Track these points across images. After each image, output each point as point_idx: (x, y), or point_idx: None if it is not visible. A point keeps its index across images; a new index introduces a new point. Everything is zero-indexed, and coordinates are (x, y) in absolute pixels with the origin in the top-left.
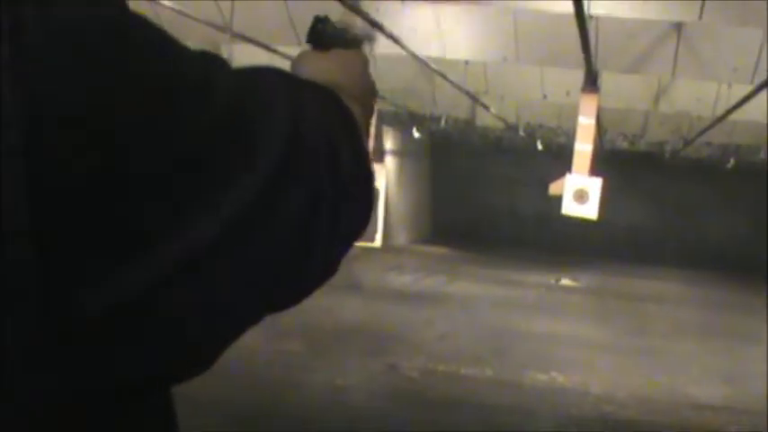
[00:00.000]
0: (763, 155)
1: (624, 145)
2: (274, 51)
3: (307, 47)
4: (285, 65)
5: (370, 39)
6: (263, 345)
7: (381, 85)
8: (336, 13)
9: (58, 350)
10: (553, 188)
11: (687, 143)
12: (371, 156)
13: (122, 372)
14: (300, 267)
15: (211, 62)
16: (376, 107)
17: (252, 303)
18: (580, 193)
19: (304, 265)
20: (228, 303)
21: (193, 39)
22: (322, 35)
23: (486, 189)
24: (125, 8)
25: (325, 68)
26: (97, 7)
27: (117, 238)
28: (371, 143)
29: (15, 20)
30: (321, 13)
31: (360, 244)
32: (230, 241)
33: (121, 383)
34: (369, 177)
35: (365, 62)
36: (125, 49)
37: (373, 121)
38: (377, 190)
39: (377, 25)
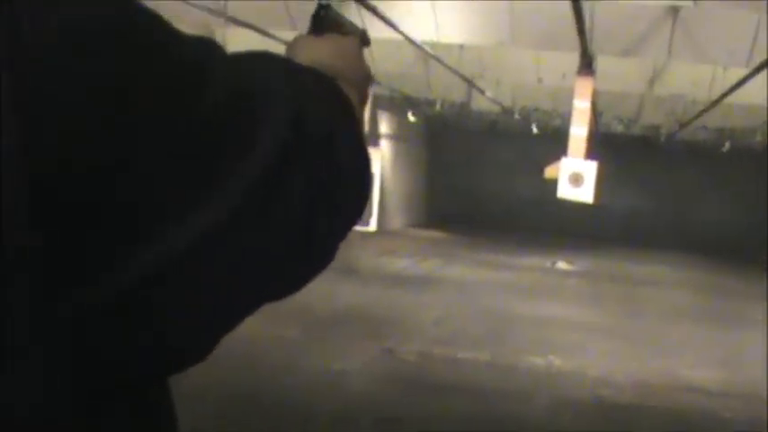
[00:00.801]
0: (758, 138)
1: (619, 128)
2: (269, 36)
3: (303, 32)
4: (280, 49)
5: (364, 40)
6: (261, 330)
7: (376, 69)
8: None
9: (57, 345)
10: (548, 172)
11: (682, 126)
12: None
13: (120, 364)
14: (300, 254)
15: (209, 49)
16: (371, 92)
17: (250, 293)
18: (575, 177)
19: (304, 252)
20: (226, 293)
21: (187, 23)
22: (323, 21)
23: (481, 173)
24: (126, 3)
25: (321, 53)
26: (97, 6)
27: (114, 234)
28: (365, 128)
29: (15, 19)
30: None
31: (355, 228)
32: (230, 230)
33: (119, 376)
34: (366, 162)
35: (360, 47)
36: (124, 47)
37: (368, 105)
38: (372, 174)
39: (372, 9)
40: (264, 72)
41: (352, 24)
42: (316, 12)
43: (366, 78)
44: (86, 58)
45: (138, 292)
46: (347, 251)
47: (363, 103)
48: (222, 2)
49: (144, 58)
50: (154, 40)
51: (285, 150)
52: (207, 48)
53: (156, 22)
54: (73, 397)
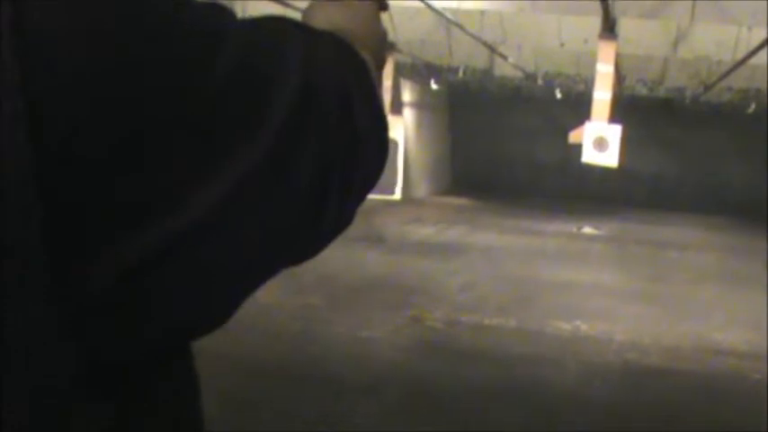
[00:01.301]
0: None
1: (644, 91)
2: (288, 5)
3: None
4: (299, 17)
5: (382, 5)
6: (285, 300)
7: (397, 37)
8: None
9: (72, 323)
10: (572, 136)
11: (707, 88)
12: (388, 109)
13: (138, 338)
14: (317, 219)
15: (221, 15)
16: (390, 58)
17: (267, 257)
18: (600, 141)
19: (320, 217)
20: (244, 259)
21: None
22: None
23: (505, 139)
24: None
25: (337, 17)
26: None
27: (126, 207)
28: (387, 95)
29: None
30: None
31: (380, 197)
32: (246, 197)
33: (139, 350)
34: (383, 127)
35: (377, 12)
36: (128, 14)
37: (389, 72)
38: (395, 142)
39: None
40: (279, 37)
41: None
42: None
43: (383, 43)
44: (87, 28)
45: (156, 260)
46: (373, 220)
47: (381, 67)
48: None
49: (154, 24)
50: (164, 6)
51: (299, 117)
52: (219, 14)
53: None
54: (86, 377)
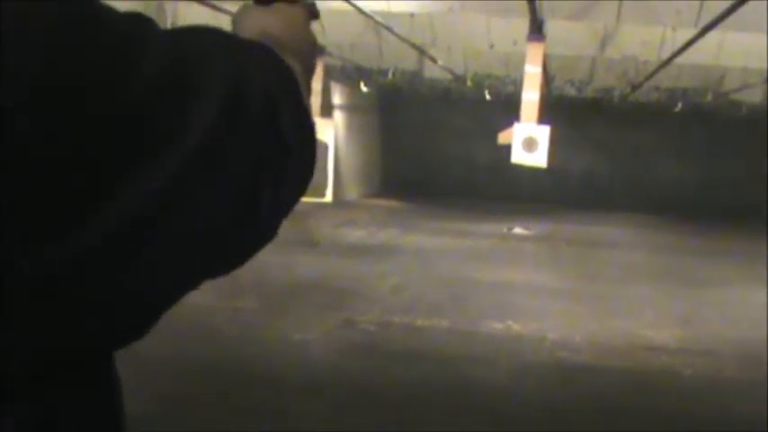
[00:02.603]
0: (709, 98)
1: (572, 92)
2: (219, 9)
3: (249, 2)
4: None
5: (312, 11)
6: (219, 303)
7: (327, 39)
8: None
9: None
10: (502, 137)
11: (634, 88)
12: (318, 112)
13: (58, 338)
14: (245, 224)
15: (143, 24)
16: (320, 62)
17: (193, 267)
18: (529, 142)
19: (249, 222)
20: (169, 267)
21: None
22: None
23: (436, 141)
24: None
25: (267, 24)
26: None
27: (48, 207)
28: (317, 98)
29: None
30: None
31: (311, 200)
32: (169, 206)
33: (58, 350)
34: (310, 135)
35: (306, 17)
36: (53, 17)
37: (319, 75)
38: (326, 144)
39: None
40: (204, 45)
41: None
42: None
43: (312, 49)
44: (20, 28)
45: (86, 262)
46: (304, 222)
47: (311, 73)
48: None
49: (77, 29)
50: (87, 13)
51: (225, 126)
52: (141, 22)
53: None
54: (24, 366)
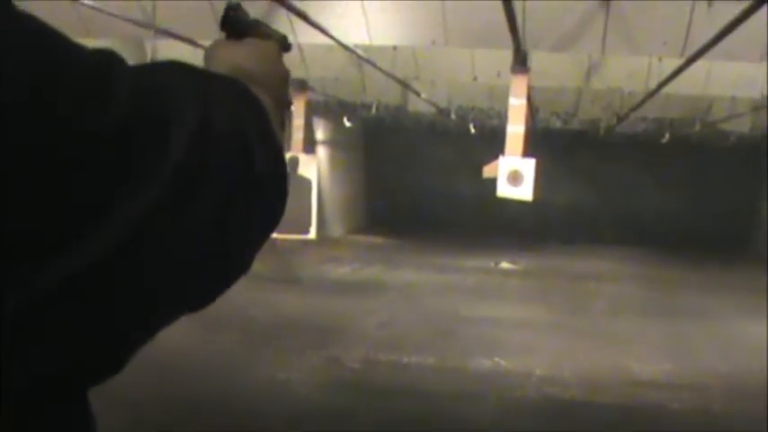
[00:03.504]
0: (697, 127)
1: (557, 124)
2: (198, 46)
3: (221, 35)
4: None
5: (284, 45)
6: (201, 341)
7: (310, 74)
8: (260, 7)
9: None
10: (487, 171)
11: (620, 119)
12: (300, 148)
13: (26, 374)
14: (215, 267)
15: (110, 61)
16: (303, 97)
17: (166, 301)
18: (514, 175)
19: (218, 265)
20: (141, 302)
21: (115, 35)
22: (235, 23)
23: (420, 175)
24: (6, 6)
25: (239, 57)
26: None
27: (13, 252)
28: (300, 133)
29: None
30: (233, 1)
31: (295, 237)
32: (137, 246)
33: (27, 386)
34: (281, 167)
35: (278, 50)
36: (18, 56)
37: (301, 111)
38: (309, 181)
39: (301, 15)
40: (174, 81)
41: (270, 28)
42: (225, 13)
43: (285, 83)
44: None
45: (47, 305)
46: (288, 259)
47: (284, 108)
48: (151, 14)
49: (24, 60)
50: (36, 42)
51: (194, 166)
52: (108, 59)
53: (44, 27)
54: None
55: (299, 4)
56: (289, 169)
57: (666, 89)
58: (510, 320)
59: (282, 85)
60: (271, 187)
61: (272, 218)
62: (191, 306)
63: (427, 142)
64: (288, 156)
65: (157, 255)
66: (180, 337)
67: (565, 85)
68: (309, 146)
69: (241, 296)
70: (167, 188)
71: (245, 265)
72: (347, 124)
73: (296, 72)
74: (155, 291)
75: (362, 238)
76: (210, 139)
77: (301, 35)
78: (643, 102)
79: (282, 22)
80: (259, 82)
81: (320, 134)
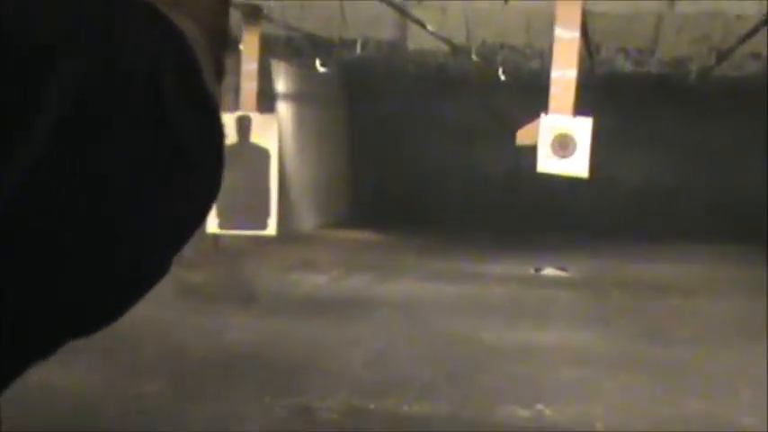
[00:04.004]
0: None
1: (627, 66)
2: None
3: None
4: None
5: None
6: (114, 386)
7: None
8: None
9: None
10: (522, 136)
11: (721, 58)
12: (252, 104)
13: None
14: (115, 267)
15: None
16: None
17: (36, 318)
18: (562, 141)
19: (121, 264)
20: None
21: None
22: None
23: (426, 143)
24: None
25: None
26: None
27: None
28: (251, 83)
29: None
30: None
31: (247, 233)
32: (24, 205)
33: None
34: (216, 138)
35: None
36: None
37: (254, 50)
38: (266, 152)
39: None
40: (63, 8)
41: None
42: None
43: (223, 8)
44: None
45: None
46: (240, 267)
47: (220, 44)
48: None
49: None
50: None
51: (87, 108)
52: None
53: None
54: None
55: None
56: (236, 135)
57: None
58: (557, 352)
59: (219, 13)
60: (198, 159)
61: (204, 195)
62: (88, 321)
63: (436, 96)
64: (233, 116)
65: (28, 245)
66: (83, 380)
67: (639, 9)
68: (267, 102)
69: (170, 319)
70: (42, 156)
71: (164, 260)
72: (321, 70)
73: None
74: (33, 292)
75: (345, 234)
76: (108, 81)
77: None
78: (756, 30)
79: None
80: (182, 7)
81: (282, 85)
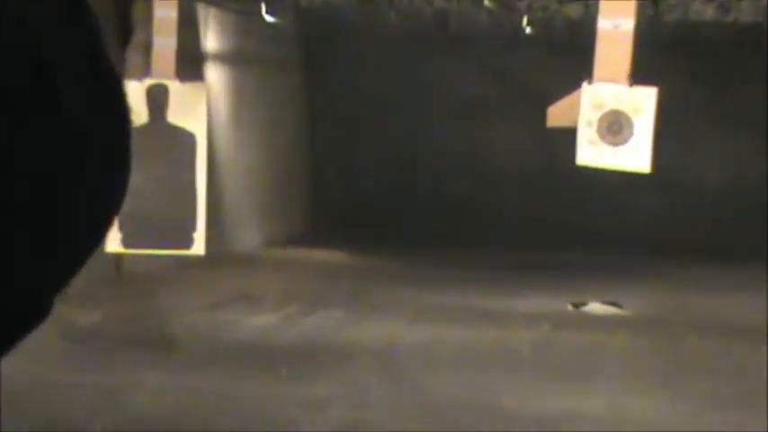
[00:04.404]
0: None
1: (704, 14)
2: None
3: None
4: None
5: None
6: None
7: None
8: None
9: None
10: (555, 115)
11: None
12: (171, 69)
13: None
14: None
15: None
16: None
17: None
18: (613, 122)
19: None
20: None
21: None
22: None
23: (415, 127)
24: None
25: None
26: None
27: None
28: (171, 41)
29: None
30: None
31: (165, 252)
32: None
33: None
34: (119, 118)
35: None
36: None
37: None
38: (192, 136)
39: None
40: None
41: None
42: None
43: None
44: None
45: None
46: (148, 303)
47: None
48: None
49: None
50: None
51: None
52: None
53: None
54: None
55: None
56: (148, 113)
57: None
58: (609, 423)
59: None
60: (96, 147)
61: (100, 215)
62: None
63: (431, 58)
64: (142, 84)
65: None
66: None
67: None
68: (191, 65)
69: (53, 379)
70: None
71: (38, 306)
72: (268, 20)
73: None
74: None
75: (303, 254)
76: None
77: None
78: None
79: None
80: None
81: (214, 41)
